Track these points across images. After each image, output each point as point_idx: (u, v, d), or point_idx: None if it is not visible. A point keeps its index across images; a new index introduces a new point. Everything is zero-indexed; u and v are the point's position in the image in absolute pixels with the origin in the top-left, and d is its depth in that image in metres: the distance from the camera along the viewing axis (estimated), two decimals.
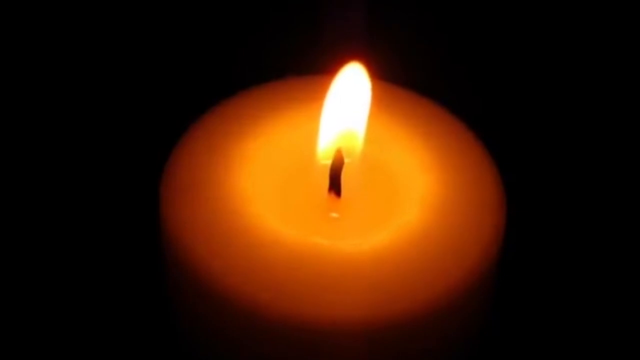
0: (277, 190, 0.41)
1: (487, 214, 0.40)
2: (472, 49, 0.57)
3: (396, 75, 0.45)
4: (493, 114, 0.54)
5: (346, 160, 0.40)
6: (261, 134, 0.42)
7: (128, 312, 0.47)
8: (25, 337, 0.46)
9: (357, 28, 0.51)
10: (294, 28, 0.55)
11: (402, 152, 0.42)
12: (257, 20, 0.57)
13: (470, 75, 0.56)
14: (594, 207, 0.52)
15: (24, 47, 0.55)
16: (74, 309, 0.47)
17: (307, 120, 0.42)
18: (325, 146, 0.41)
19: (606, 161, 0.53)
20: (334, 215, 0.41)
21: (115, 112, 0.54)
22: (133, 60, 0.55)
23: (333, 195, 0.41)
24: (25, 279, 0.47)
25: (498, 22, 0.57)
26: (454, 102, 0.44)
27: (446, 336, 0.39)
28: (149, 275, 0.45)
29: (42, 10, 0.56)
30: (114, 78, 0.55)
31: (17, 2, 0.55)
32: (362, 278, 0.37)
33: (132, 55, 0.55)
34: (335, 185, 0.41)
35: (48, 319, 0.46)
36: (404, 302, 0.37)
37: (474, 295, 0.39)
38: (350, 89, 0.41)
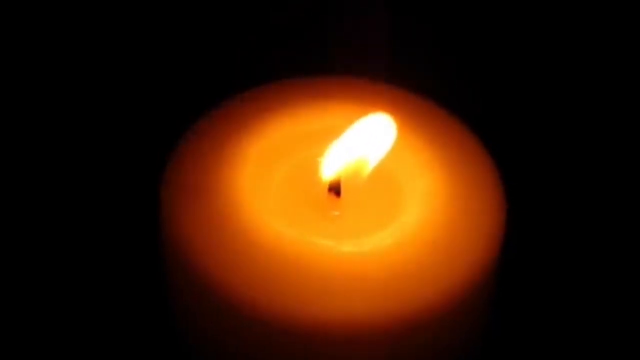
0: (277, 190, 0.41)
1: (488, 214, 0.40)
2: (472, 49, 0.57)
3: (396, 75, 0.45)
4: (493, 114, 0.54)
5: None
6: (261, 134, 0.42)
7: (128, 312, 0.47)
8: (26, 337, 0.46)
9: (357, 29, 0.51)
10: (295, 29, 0.55)
11: (402, 152, 0.42)
12: (257, 21, 0.57)
13: (470, 75, 0.56)
14: (594, 207, 0.52)
15: (24, 47, 0.55)
16: (74, 309, 0.47)
17: (307, 120, 0.42)
18: (331, 171, 0.41)
19: (606, 161, 0.53)
20: (334, 214, 0.41)
21: (115, 113, 0.54)
22: (133, 60, 0.55)
23: (333, 195, 0.41)
24: (25, 279, 0.47)
25: (498, 23, 0.57)
26: (454, 102, 0.44)
27: (447, 336, 0.39)
28: (149, 275, 0.45)
29: (42, 10, 0.56)
30: (114, 78, 0.55)
31: (17, 2, 0.55)
32: (363, 278, 0.37)
33: (133, 56, 0.55)
34: (335, 185, 0.41)
35: (48, 319, 0.46)
36: (405, 303, 0.37)
37: (474, 295, 0.39)
38: (374, 135, 0.41)
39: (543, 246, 0.50)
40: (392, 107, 0.43)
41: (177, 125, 0.43)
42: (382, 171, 0.42)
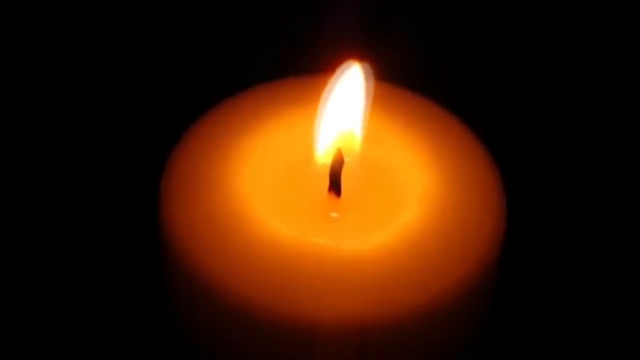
0: (277, 190, 0.41)
1: (488, 214, 0.40)
2: (471, 49, 0.57)
3: (396, 75, 0.45)
4: (493, 114, 0.54)
5: (346, 160, 0.40)
6: (261, 133, 0.42)
7: (128, 312, 0.47)
8: (26, 337, 0.46)
9: (357, 28, 0.51)
10: (294, 28, 0.55)
11: (402, 152, 0.42)
12: (257, 20, 0.57)
13: (470, 75, 0.56)
14: (594, 207, 0.52)
15: (24, 47, 0.55)
16: (74, 309, 0.47)
17: (307, 120, 0.42)
18: (324, 147, 0.41)
19: (606, 161, 0.53)
20: (334, 215, 0.41)
21: (115, 112, 0.54)
22: (134, 60, 0.55)
23: (333, 195, 0.41)
24: (25, 279, 0.47)
25: (498, 23, 0.57)
26: (454, 102, 0.44)
27: (446, 336, 0.39)
28: (149, 275, 0.45)
29: (42, 10, 0.56)
30: (114, 78, 0.55)
31: (17, 2, 0.55)
32: (362, 278, 0.37)
33: (133, 56, 0.56)
34: (335, 185, 0.41)
35: (48, 319, 0.46)
36: (405, 303, 0.37)
37: (474, 295, 0.39)
38: (348, 89, 0.41)
39: (543, 246, 0.50)
40: (392, 107, 0.43)
41: (177, 125, 0.43)
42: (381, 171, 0.42)
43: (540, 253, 0.50)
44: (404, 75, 0.45)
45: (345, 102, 0.41)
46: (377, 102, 0.42)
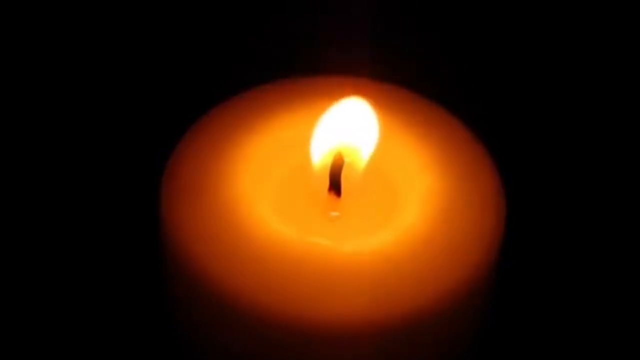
0: (277, 190, 0.41)
1: (488, 214, 0.40)
2: (472, 49, 0.57)
3: (396, 75, 0.45)
4: (493, 114, 0.54)
5: (346, 160, 0.40)
6: (261, 133, 0.42)
7: (128, 312, 0.47)
8: (26, 337, 0.46)
9: (358, 28, 0.51)
10: (294, 28, 0.55)
11: (402, 152, 0.42)
12: (257, 20, 0.57)
13: (470, 75, 0.56)
14: (594, 207, 0.52)
15: (24, 47, 0.55)
16: (74, 309, 0.47)
17: (307, 120, 0.42)
18: (320, 154, 0.41)
19: (606, 161, 0.53)
20: (334, 214, 0.41)
21: (116, 113, 0.54)
22: (135, 60, 0.55)
23: (333, 195, 0.41)
24: (25, 279, 0.47)
25: (498, 22, 0.57)
26: (454, 102, 0.44)
27: (446, 337, 0.39)
28: (149, 276, 0.45)
29: (42, 10, 0.56)
30: (115, 78, 0.55)
31: (17, 2, 0.55)
32: (362, 279, 0.37)
33: (134, 56, 0.56)
34: (335, 185, 0.41)
35: (48, 319, 0.46)
36: (404, 304, 0.37)
37: (474, 295, 0.39)
38: (353, 116, 0.41)
39: (543, 246, 0.50)
40: (392, 107, 0.43)
41: (177, 125, 0.43)
42: (381, 171, 0.42)
43: (540, 253, 0.50)
44: (404, 75, 0.45)
45: (348, 123, 0.41)
46: (378, 102, 0.42)
